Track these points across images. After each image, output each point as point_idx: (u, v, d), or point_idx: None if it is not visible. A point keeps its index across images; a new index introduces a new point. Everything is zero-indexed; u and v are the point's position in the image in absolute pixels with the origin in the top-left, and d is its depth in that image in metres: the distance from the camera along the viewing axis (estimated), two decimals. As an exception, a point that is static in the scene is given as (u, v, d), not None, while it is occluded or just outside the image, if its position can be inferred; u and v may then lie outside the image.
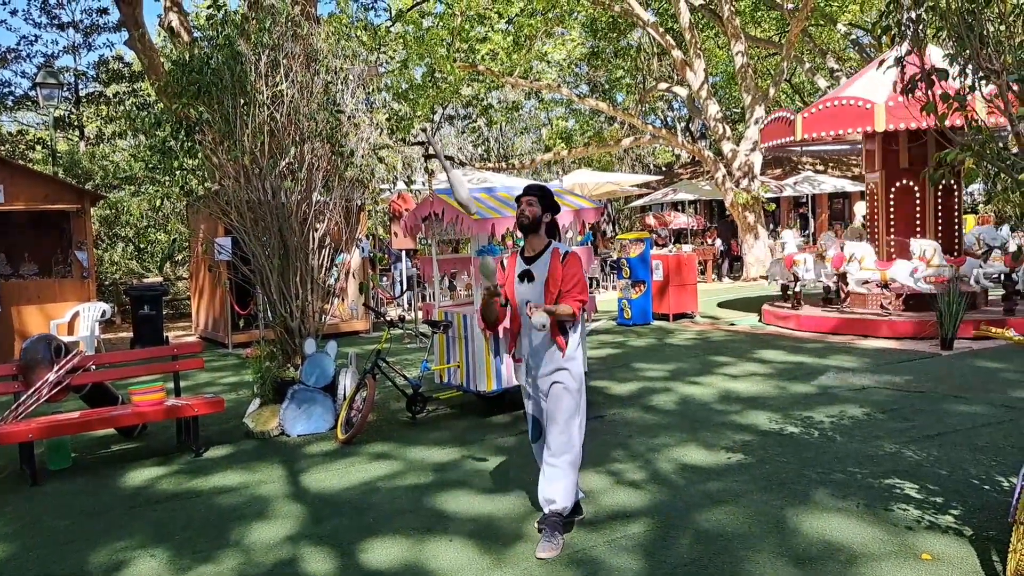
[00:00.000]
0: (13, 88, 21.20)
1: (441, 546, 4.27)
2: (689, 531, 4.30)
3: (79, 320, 11.43)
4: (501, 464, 5.65)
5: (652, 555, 4.04)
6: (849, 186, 22.29)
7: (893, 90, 3.66)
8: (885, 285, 11.10)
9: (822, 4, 22.12)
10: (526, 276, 4.24)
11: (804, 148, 13.91)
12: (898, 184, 11.58)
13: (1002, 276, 10.69)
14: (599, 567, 3.95)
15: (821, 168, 25.07)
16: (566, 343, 4.24)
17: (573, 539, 4.28)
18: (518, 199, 4.39)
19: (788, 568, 3.83)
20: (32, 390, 6.19)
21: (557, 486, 4.19)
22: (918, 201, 11.44)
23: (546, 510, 4.24)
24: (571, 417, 4.25)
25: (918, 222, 11.40)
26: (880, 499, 4.61)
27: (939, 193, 11.29)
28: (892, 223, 11.65)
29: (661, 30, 20.53)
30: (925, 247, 10.82)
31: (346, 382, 7.09)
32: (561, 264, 4.20)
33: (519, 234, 4.53)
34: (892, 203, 11.68)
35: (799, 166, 25.01)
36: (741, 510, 4.56)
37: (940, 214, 11.35)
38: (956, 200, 11.46)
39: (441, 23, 20.46)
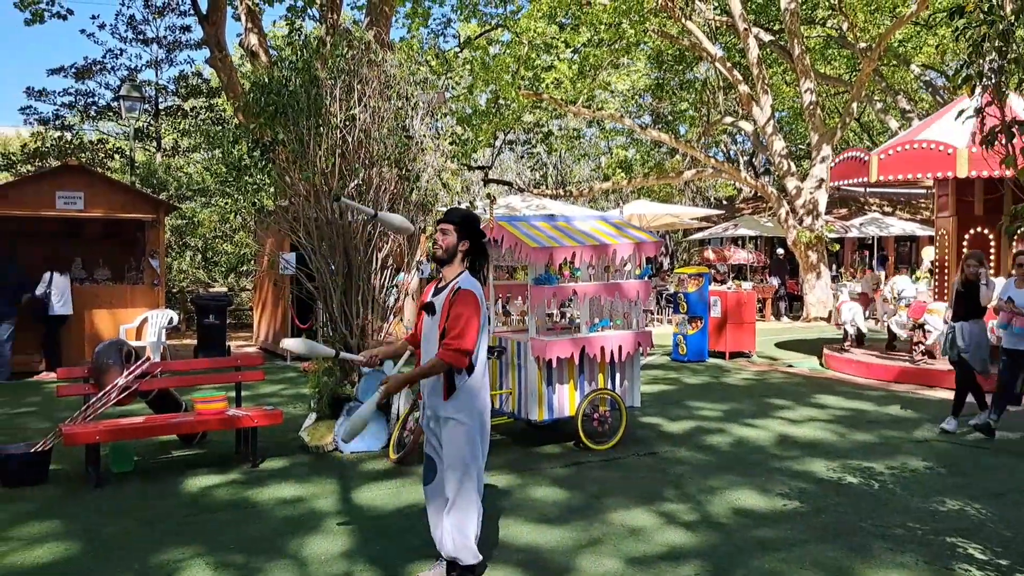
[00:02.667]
0: (97, 99, 22.11)
1: (488, 574, 4.27)
2: (741, 577, 4.23)
3: (147, 326, 11.81)
4: (552, 495, 5.64)
5: (702, 599, 3.99)
6: (918, 230, 21.78)
7: (972, 140, 3.60)
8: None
9: (896, 45, 21.78)
10: (428, 309, 4.01)
11: (868, 189, 13.71)
12: (972, 231, 11.33)
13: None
14: (647, 607, 3.91)
15: (889, 210, 24.56)
16: (448, 393, 3.97)
17: (622, 577, 4.25)
18: (435, 224, 4.10)
19: (843, 623, 3.74)
20: (102, 393, 6.40)
21: (455, 542, 3.98)
22: (992, 248, 11.17)
23: (451, 558, 4.05)
24: (462, 470, 3.98)
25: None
26: (941, 557, 4.47)
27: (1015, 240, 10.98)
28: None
29: (728, 64, 20.45)
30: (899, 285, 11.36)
31: (400, 402, 7.17)
32: (451, 301, 3.91)
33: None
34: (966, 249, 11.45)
35: (866, 207, 24.54)
36: (796, 559, 4.47)
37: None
38: None
39: (508, 51, 20.74)
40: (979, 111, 3.53)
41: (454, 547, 3.98)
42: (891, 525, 4.99)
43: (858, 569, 4.32)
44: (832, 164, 12.51)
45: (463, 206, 10.12)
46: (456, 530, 3.98)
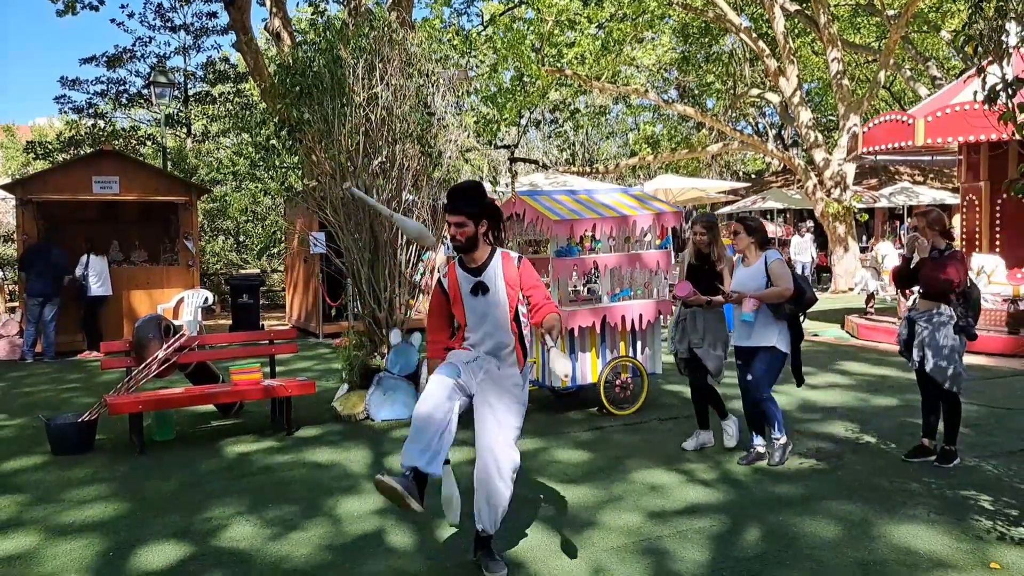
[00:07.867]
0: (128, 86, 22.53)
1: (515, 529, 4.47)
2: (756, 528, 4.39)
3: (183, 305, 12.17)
4: (576, 456, 5.83)
5: (719, 547, 4.16)
6: (949, 198, 21.50)
7: (974, 99, 3.68)
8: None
9: (925, 10, 21.40)
10: (480, 288, 3.80)
11: (899, 157, 14.01)
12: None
13: None
14: (666, 555, 4.09)
15: (920, 179, 24.25)
16: (524, 360, 3.90)
17: (641, 528, 4.43)
18: (445, 213, 3.91)
19: (852, 568, 3.88)
20: (143, 366, 6.69)
21: (500, 507, 3.83)
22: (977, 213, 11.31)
23: (479, 527, 3.91)
24: (518, 427, 3.89)
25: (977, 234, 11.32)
26: (953, 509, 4.58)
27: (997, 206, 11.05)
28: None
29: (754, 36, 20.26)
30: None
31: (426, 372, 7.37)
32: (518, 268, 3.83)
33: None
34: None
35: (896, 176, 24.25)
36: (811, 512, 4.61)
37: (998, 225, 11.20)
38: None
39: (531, 28, 20.72)
40: (981, 70, 3.60)
41: (500, 518, 3.89)
42: (907, 481, 5.11)
43: (872, 521, 4.45)
44: (865, 129, 12.83)
45: (485, 184, 10.28)
46: (507, 501, 3.87)
